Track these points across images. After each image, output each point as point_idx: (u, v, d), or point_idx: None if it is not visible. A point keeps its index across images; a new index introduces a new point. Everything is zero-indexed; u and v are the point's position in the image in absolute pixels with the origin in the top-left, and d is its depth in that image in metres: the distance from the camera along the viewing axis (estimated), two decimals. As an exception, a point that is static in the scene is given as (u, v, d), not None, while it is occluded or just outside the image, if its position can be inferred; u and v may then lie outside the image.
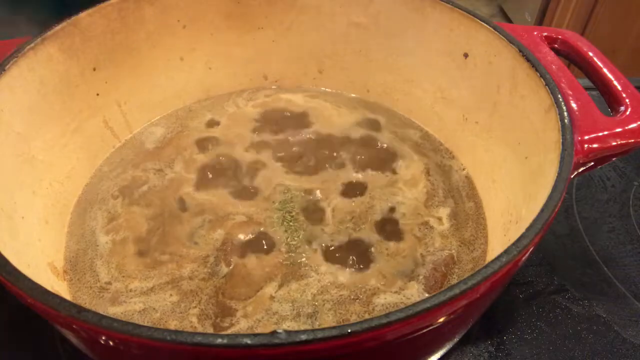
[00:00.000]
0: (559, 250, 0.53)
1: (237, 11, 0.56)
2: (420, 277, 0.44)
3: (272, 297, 0.42)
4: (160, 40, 0.54)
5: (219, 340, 0.24)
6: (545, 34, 0.48)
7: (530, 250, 0.30)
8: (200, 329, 0.39)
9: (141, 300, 0.42)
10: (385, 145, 0.55)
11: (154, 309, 0.41)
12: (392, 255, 0.45)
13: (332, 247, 0.45)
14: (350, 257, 0.45)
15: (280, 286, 0.42)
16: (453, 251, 0.46)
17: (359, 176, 0.52)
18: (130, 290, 0.42)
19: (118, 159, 0.54)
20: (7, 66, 0.40)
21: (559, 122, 0.38)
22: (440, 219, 0.49)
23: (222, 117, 0.58)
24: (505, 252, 0.29)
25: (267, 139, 0.55)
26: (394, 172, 0.52)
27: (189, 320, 0.40)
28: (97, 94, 0.51)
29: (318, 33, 0.58)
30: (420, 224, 0.48)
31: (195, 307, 0.41)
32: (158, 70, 0.55)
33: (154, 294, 0.42)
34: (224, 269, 0.43)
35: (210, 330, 0.39)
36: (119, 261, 0.44)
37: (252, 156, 0.54)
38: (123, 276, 0.43)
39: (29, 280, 0.28)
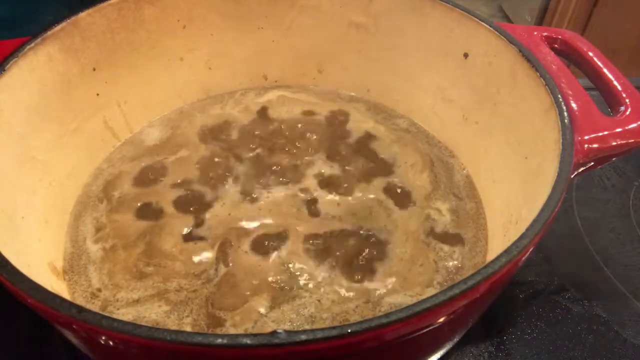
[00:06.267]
0: (559, 250, 0.53)
1: (237, 11, 0.56)
2: (435, 282, 0.44)
3: (262, 314, 0.41)
4: (160, 40, 0.54)
5: (219, 340, 0.24)
6: (545, 34, 0.48)
7: (530, 250, 0.30)
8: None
9: (129, 311, 0.41)
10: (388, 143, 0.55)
11: (144, 317, 0.41)
12: (406, 261, 0.45)
13: (335, 249, 0.45)
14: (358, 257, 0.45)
15: (272, 308, 0.41)
16: (459, 256, 0.46)
17: (363, 173, 0.52)
18: (118, 300, 0.42)
19: (117, 159, 0.53)
20: (7, 66, 0.40)
21: (559, 122, 0.38)
22: (440, 211, 0.49)
23: (222, 116, 0.58)
24: (505, 252, 0.29)
25: (268, 139, 0.55)
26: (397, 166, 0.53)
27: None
28: (97, 94, 0.51)
29: (318, 33, 0.58)
30: (425, 219, 0.48)
31: (188, 316, 0.41)
32: (158, 70, 0.55)
33: (140, 305, 0.41)
34: (223, 270, 0.43)
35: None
36: (110, 268, 0.44)
37: (252, 156, 0.53)
38: (112, 284, 0.43)
39: (29, 280, 0.28)
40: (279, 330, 0.24)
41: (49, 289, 0.27)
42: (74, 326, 0.26)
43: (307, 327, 0.40)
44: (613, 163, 0.63)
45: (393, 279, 0.43)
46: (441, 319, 0.28)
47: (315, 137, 0.56)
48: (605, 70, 0.44)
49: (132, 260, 0.44)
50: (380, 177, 0.52)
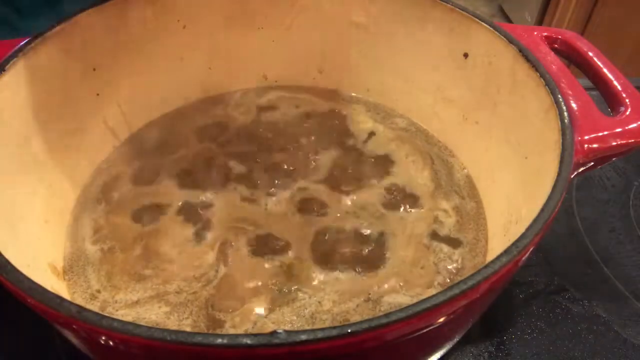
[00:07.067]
0: (559, 250, 0.53)
1: (237, 11, 0.56)
2: (436, 282, 0.44)
3: (262, 316, 0.41)
4: (160, 40, 0.54)
5: (219, 340, 0.24)
6: (545, 34, 0.48)
7: (530, 250, 0.30)
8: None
9: (129, 312, 0.41)
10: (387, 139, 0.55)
11: (144, 318, 0.41)
12: (407, 263, 0.44)
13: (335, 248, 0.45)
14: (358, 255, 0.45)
15: (272, 309, 0.41)
16: (459, 257, 0.46)
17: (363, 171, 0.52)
18: (117, 302, 0.42)
19: (117, 159, 0.53)
20: (7, 66, 0.40)
21: (559, 122, 0.38)
22: (447, 211, 0.49)
23: (222, 117, 0.58)
24: (505, 252, 0.29)
25: (268, 139, 0.55)
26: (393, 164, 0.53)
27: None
28: (97, 94, 0.51)
29: (318, 33, 0.58)
30: (432, 221, 0.48)
31: (188, 317, 0.41)
32: (158, 70, 0.55)
33: (140, 307, 0.41)
34: (223, 271, 0.43)
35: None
36: (109, 269, 0.44)
37: (252, 156, 0.53)
38: (111, 285, 0.43)
39: (29, 280, 0.28)
40: (279, 330, 0.24)
41: (49, 289, 0.27)
42: (74, 326, 0.26)
43: (307, 328, 0.40)
44: (613, 163, 0.63)
45: (393, 280, 0.43)
46: (441, 319, 0.28)
47: (315, 137, 0.56)
48: (605, 70, 0.44)
49: (130, 262, 0.44)
50: (382, 176, 0.52)
